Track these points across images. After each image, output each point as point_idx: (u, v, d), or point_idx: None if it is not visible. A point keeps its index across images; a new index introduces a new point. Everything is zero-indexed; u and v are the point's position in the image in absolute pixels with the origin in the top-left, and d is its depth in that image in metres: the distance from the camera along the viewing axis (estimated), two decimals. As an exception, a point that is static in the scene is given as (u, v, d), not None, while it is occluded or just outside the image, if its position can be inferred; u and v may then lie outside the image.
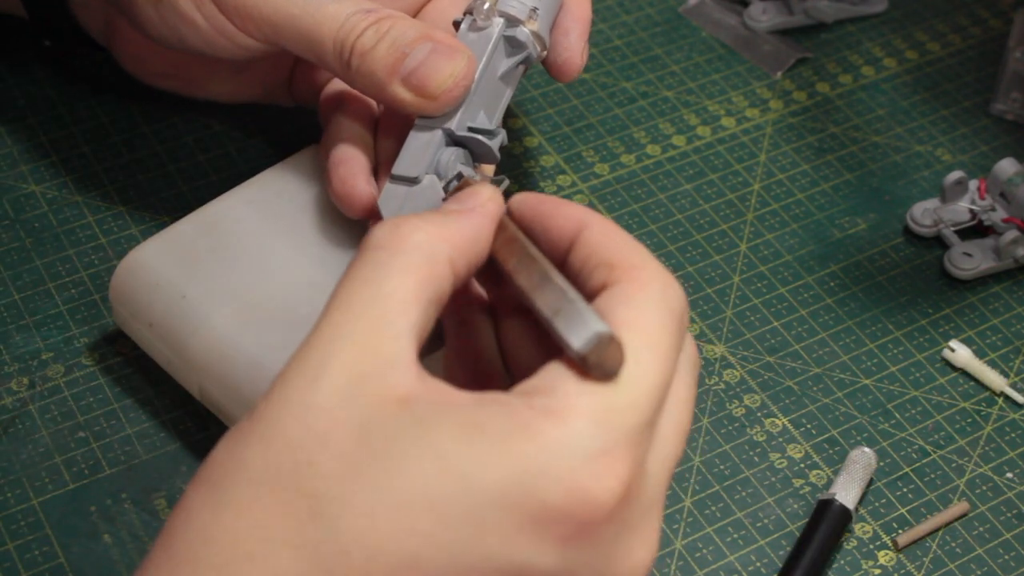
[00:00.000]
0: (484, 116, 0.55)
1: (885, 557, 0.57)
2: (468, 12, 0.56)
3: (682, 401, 0.42)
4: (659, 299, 0.41)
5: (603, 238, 0.42)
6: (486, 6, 0.56)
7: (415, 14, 0.62)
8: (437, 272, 0.40)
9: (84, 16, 0.64)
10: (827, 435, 0.60)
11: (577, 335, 0.39)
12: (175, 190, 0.66)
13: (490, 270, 0.43)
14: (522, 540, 0.37)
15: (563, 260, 0.43)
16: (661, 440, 0.41)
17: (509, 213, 0.44)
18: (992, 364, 0.63)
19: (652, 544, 0.41)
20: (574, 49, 0.58)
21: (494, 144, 0.54)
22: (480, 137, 0.54)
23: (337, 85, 0.61)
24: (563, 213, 0.43)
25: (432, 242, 0.41)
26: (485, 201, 0.43)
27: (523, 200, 0.44)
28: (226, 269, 0.56)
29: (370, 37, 0.55)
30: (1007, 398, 0.62)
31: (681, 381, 0.42)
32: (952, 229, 0.67)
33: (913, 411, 0.61)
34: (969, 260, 0.66)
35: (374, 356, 0.38)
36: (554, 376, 0.39)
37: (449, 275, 0.41)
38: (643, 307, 0.40)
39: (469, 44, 0.55)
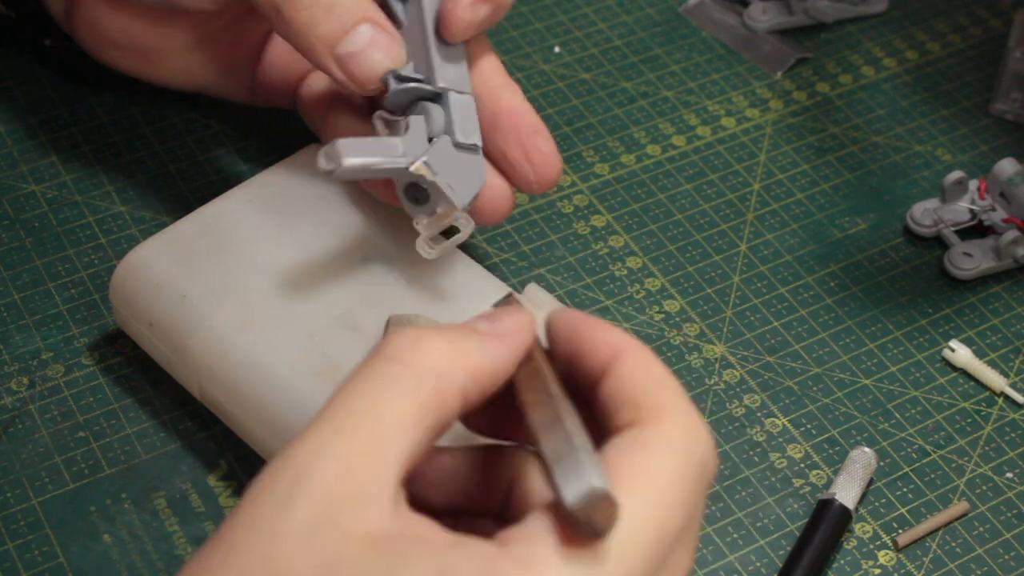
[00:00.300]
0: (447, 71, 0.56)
1: (885, 557, 0.57)
2: None
3: (679, 567, 0.39)
4: (678, 446, 0.38)
5: (634, 371, 0.40)
6: None
7: None
8: (445, 401, 0.38)
9: None
10: (827, 435, 0.60)
11: (571, 488, 0.36)
12: (175, 190, 0.66)
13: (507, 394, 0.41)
14: None
15: (594, 389, 0.41)
16: None
17: (547, 329, 0.42)
18: (992, 364, 0.63)
19: None
20: (459, 1, 0.56)
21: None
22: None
23: (318, 85, 0.61)
24: (600, 338, 0.41)
25: (448, 367, 0.38)
26: (518, 330, 0.41)
27: (561, 319, 0.42)
28: (226, 269, 0.56)
29: None
30: (1007, 398, 0.62)
31: (688, 543, 0.39)
32: (952, 229, 0.67)
33: (913, 411, 0.61)
34: (969, 260, 0.66)
35: (353, 482, 0.36)
36: (539, 528, 0.37)
37: (458, 405, 0.39)
38: (658, 453, 0.38)
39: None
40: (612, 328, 0.41)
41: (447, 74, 0.55)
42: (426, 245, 0.54)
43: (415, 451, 0.37)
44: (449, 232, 0.55)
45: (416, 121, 0.54)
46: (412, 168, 0.52)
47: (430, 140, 0.54)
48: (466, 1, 0.56)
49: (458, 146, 0.54)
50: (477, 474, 0.42)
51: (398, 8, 0.57)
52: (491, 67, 0.59)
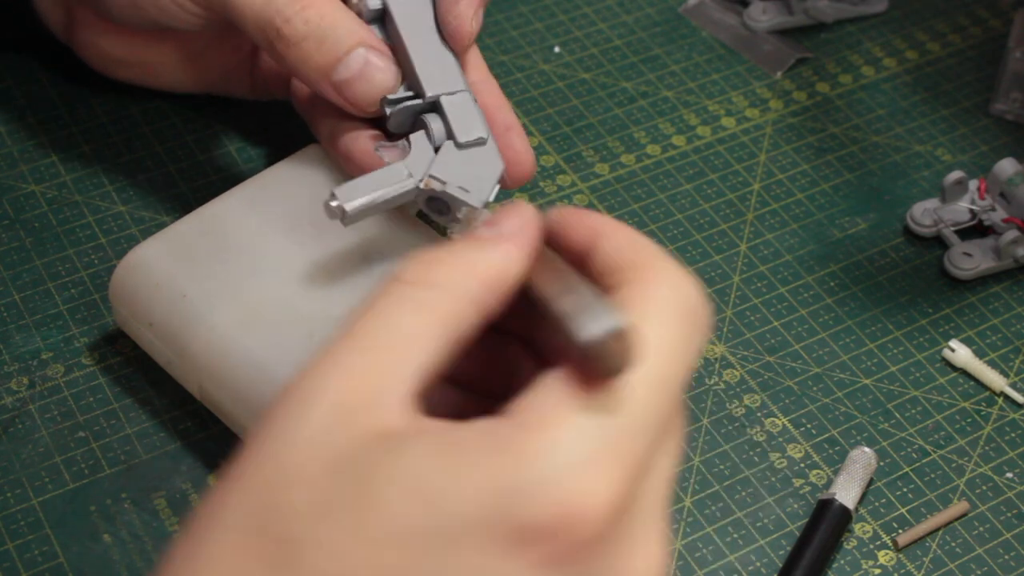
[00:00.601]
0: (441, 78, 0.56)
1: (885, 557, 0.57)
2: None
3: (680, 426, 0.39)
4: (668, 296, 0.39)
5: (614, 242, 0.41)
6: None
7: None
8: (460, 310, 0.38)
9: (45, 9, 0.65)
10: (827, 435, 0.60)
11: (588, 326, 0.35)
12: (175, 190, 0.66)
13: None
14: (502, 564, 0.34)
15: (584, 270, 0.41)
16: (662, 444, 0.38)
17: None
18: (992, 364, 0.63)
19: (654, 557, 0.37)
20: (463, 16, 0.57)
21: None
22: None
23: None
24: (577, 223, 0.41)
25: (460, 280, 0.38)
26: (521, 227, 0.41)
27: (546, 219, 0.42)
28: (226, 269, 0.56)
29: (298, 28, 0.55)
30: (1007, 398, 0.62)
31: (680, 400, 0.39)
32: (952, 229, 0.67)
33: (913, 411, 0.61)
34: (969, 260, 0.66)
35: (366, 390, 0.36)
36: (543, 388, 0.37)
37: (475, 313, 0.39)
38: (650, 306, 0.38)
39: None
40: (589, 213, 0.42)
41: (435, 81, 0.56)
42: None
43: (431, 363, 0.38)
44: None
45: (417, 138, 0.55)
46: (421, 185, 0.53)
47: (436, 150, 0.54)
48: (469, 14, 0.57)
49: (463, 146, 0.55)
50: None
51: (374, 30, 0.57)
52: (471, 64, 0.59)
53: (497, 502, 0.34)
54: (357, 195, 0.52)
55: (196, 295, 0.55)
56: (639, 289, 0.39)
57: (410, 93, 0.56)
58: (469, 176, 0.54)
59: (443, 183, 0.53)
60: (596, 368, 0.36)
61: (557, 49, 0.75)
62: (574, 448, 0.35)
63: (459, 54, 0.58)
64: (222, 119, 0.69)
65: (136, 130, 0.68)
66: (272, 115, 0.68)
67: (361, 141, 0.57)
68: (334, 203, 0.52)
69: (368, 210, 0.52)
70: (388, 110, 0.56)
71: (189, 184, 0.67)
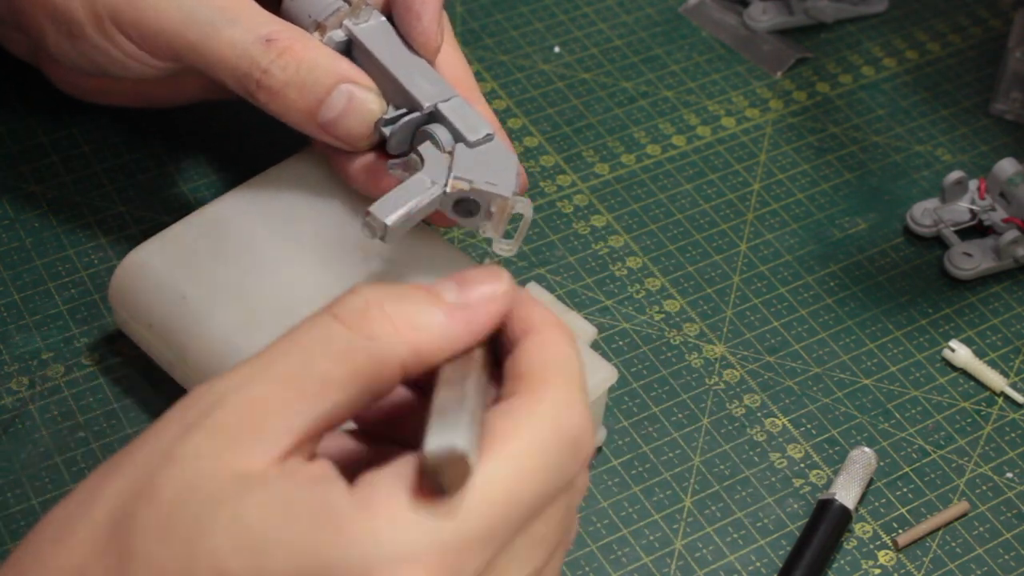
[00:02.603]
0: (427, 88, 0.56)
1: (885, 557, 0.57)
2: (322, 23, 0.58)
3: (538, 538, 0.39)
4: (545, 417, 0.38)
5: (534, 348, 0.40)
6: None
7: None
8: (381, 373, 0.38)
9: (7, 41, 0.64)
10: (827, 435, 0.60)
11: (435, 440, 0.36)
12: (175, 190, 0.66)
13: None
14: None
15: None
16: (507, 562, 0.38)
17: None
18: (992, 364, 0.63)
19: None
20: (428, 32, 0.57)
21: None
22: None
23: None
24: (519, 315, 0.40)
25: (393, 342, 0.38)
26: (488, 301, 0.40)
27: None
28: (226, 269, 0.56)
29: (277, 77, 0.55)
30: (1007, 398, 0.62)
31: (556, 516, 0.39)
32: (952, 229, 0.67)
33: (913, 411, 0.61)
34: (969, 260, 0.66)
35: (251, 422, 0.37)
36: (393, 474, 0.36)
37: (396, 376, 0.38)
38: (522, 422, 0.38)
39: (361, 35, 0.57)
40: (538, 307, 0.41)
41: (425, 91, 0.56)
42: (503, 244, 0.55)
43: (333, 412, 0.38)
44: (513, 221, 0.56)
45: (426, 148, 0.55)
46: (448, 189, 0.53)
47: (449, 155, 0.55)
48: (433, 28, 0.57)
49: (474, 144, 0.55)
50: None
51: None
52: (449, 67, 0.60)
53: (312, 571, 0.35)
54: (393, 209, 0.52)
55: (196, 296, 0.55)
56: (526, 403, 0.38)
57: (403, 111, 0.56)
58: (489, 171, 0.54)
59: (469, 181, 0.53)
60: (430, 480, 0.36)
61: (557, 49, 0.75)
62: (397, 542, 0.35)
63: (431, 63, 0.58)
64: (222, 119, 0.69)
65: (136, 130, 0.68)
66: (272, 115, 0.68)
67: (368, 160, 0.57)
68: (374, 221, 0.52)
69: (406, 222, 0.53)
70: (387, 131, 0.56)
71: (189, 184, 0.67)
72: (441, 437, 0.36)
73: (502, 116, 0.71)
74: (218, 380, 0.38)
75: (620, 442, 0.59)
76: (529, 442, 0.38)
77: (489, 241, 0.57)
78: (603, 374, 0.55)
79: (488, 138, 0.55)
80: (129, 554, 0.36)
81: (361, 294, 0.39)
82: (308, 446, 0.38)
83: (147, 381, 0.59)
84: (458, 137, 0.55)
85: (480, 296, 0.40)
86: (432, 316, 0.39)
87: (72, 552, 0.37)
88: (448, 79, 0.58)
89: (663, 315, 0.64)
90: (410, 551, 0.35)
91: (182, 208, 0.65)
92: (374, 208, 0.52)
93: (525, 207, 0.55)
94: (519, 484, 0.37)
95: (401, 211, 0.53)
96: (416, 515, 0.36)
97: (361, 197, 0.59)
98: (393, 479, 0.36)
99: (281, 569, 0.35)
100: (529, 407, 0.38)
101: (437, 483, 0.36)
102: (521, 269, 0.65)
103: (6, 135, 0.68)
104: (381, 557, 0.35)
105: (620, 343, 0.63)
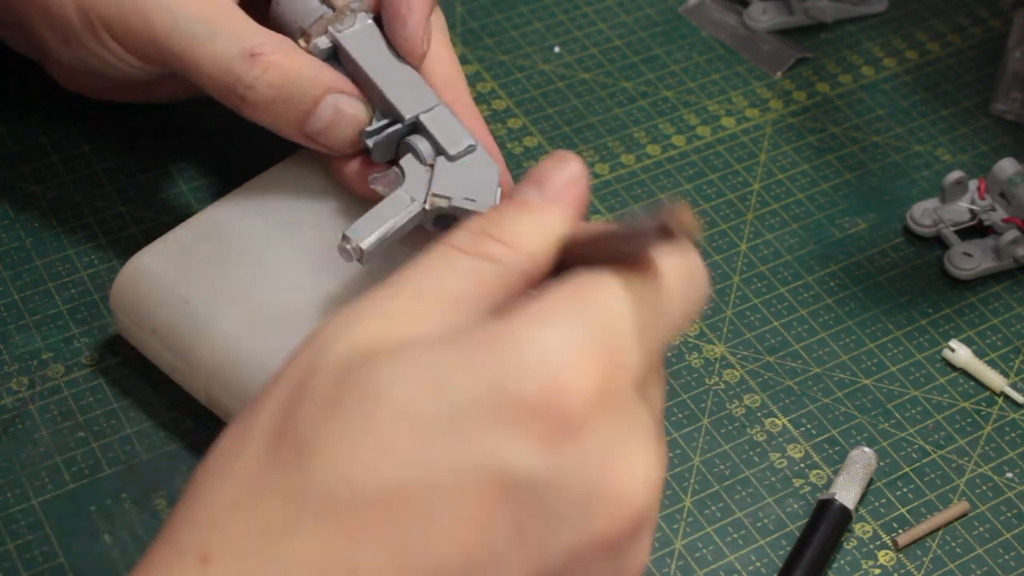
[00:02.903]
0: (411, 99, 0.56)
1: (885, 557, 0.57)
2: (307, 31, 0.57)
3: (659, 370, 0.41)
4: (680, 261, 0.41)
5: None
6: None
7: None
8: (510, 285, 0.40)
9: (11, 41, 0.64)
10: (827, 435, 0.60)
11: (651, 213, 0.37)
12: (175, 190, 0.66)
13: None
14: (502, 442, 0.36)
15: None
16: (652, 380, 0.40)
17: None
18: (992, 364, 0.63)
19: (650, 458, 0.38)
20: (414, 38, 0.57)
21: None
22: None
23: None
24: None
25: (510, 255, 0.40)
26: (568, 185, 0.42)
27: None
28: (228, 272, 0.56)
29: (263, 92, 0.55)
30: (1007, 398, 0.62)
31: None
32: (952, 229, 0.67)
33: (913, 411, 0.61)
34: (969, 260, 0.66)
35: (393, 333, 0.38)
36: (541, 293, 0.39)
37: (522, 286, 0.41)
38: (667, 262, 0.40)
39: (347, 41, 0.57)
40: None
41: (408, 103, 0.56)
42: None
43: (473, 312, 0.39)
44: None
45: (407, 162, 0.55)
46: (427, 206, 0.53)
47: (431, 168, 0.54)
48: (419, 34, 0.57)
49: (455, 157, 0.54)
50: None
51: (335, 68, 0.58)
52: (438, 74, 0.60)
53: (495, 385, 0.36)
54: (369, 231, 0.52)
55: (199, 301, 0.55)
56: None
57: (386, 121, 0.56)
58: (470, 185, 0.54)
59: (448, 198, 0.53)
60: (669, 234, 0.37)
61: (557, 49, 0.75)
62: (563, 335, 0.37)
63: (417, 68, 0.57)
64: (222, 119, 0.69)
65: (137, 130, 0.68)
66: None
67: (353, 166, 0.58)
68: (349, 245, 0.52)
69: (382, 243, 0.53)
70: (370, 142, 0.56)
71: (189, 184, 0.67)
72: (651, 213, 0.37)
73: (502, 116, 0.71)
74: (344, 311, 0.39)
75: (620, 442, 0.59)
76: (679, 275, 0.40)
77: None
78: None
79: (470, 149, 0.55)
80: (303, 443, 0.36)
81: (466, 226, 0.41)
82: None
83: (147, 381, 0.59)
84: (439, 150, 0.55)
85: (558, 187, 0.42)
86: (532, 224, 0.41)
87: (240, 475, 0.37)
88: (437, 80, 0.58)
89: (663, 315, 0.64)
90: (577, 341, 0.37)
91: (182, 208, 0.65)
92: (350, 231, 0.52)
93: None
94: (655, 304, 0.39)
95: (377, 234, 0.52)
96: (573, 310, 0.38)
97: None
98: (545, 293, 0.38)
99: (470, 392, 0.36)
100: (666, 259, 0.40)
101: (676, 231, 0.37)
102: (521, 269, 0.65)
103: (6, 135, 0.68)
104: (552, 351, 0.37)
105: (620, 343, 0.62)
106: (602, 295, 0.38)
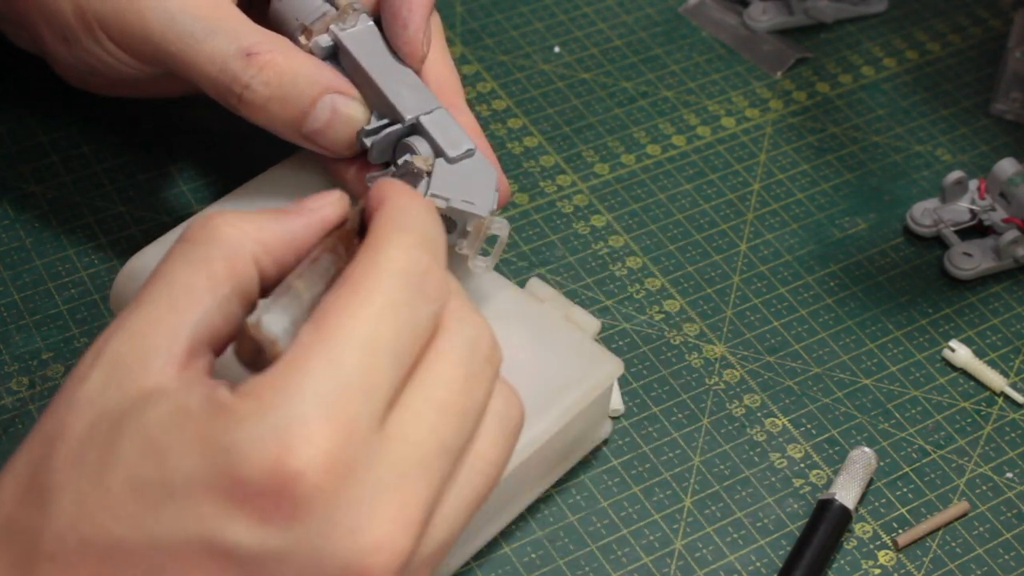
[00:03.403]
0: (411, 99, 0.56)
1: (885, 557, 0.57)
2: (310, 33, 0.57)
3: (432, 394, 0.41)
4: (380, 263, 0.41)
5: (379, 214, 0.43)
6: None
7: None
8: (238, 268, 0.41)
9: (14, 38, 0.64)
10: (827, 435, 0.60)
11: (259, 311, 0.40)
12: (175, 190, 0.66)
13: None
14: (222, 520, 0.37)
15: None
16: (412, 400, 0.40)
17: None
18: (992, 364, 0.63)
19: (393, 519, 0.38)
20: (414, 41, 0.57)
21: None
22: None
23: None
24: (373, 194, 0.44)
25: (238, 238, 0.41)
26: (322, 206, 0.44)
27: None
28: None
29: (259, 92, 0.55)
30: (1007, 398, 0.62)
31: (438, 374, 0.41)
32: (952, 229, 0.67)
33: (913, 411, 0.61)
34: (969, 260, 0.66)
35: (139, 349, 0.39)
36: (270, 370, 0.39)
37: (254, 272, 0.42)
38: (360, 271, 0.40)
39: (347, 40, 0.57)
40: (393, 183, 0.44)
41: (408, 102, 0.55)
42: (478, 263, 0.55)
43: (210, 318, 0.41)
44: (490, 242, 0.56)
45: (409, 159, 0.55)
46: None
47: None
48: (419, 37, 0.57)
49: (454, 160, 0.54)
50: None
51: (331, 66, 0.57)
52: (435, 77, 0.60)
53: (215, 464, 0.37)
54: None
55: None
56: (360, 256, 0.41)
57: (384, 121, 0.56)
58: (468, 188, 0.54)
59: (446, 199, 0.53)
60: (242, 339, 0.40)
61: (557, 49, 0.75)
62: (281, 409, 0.37)
63: (417, 71, 0.57)
64: (222, 119, 0.69)
65: (136, 130, 0.68)
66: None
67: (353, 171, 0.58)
68: None
69: None
70: (368, 142, 0.56)
71: (189, 184, 0.67)
72: (263, 312, 0.40)
73: (502, 116, 0.71)
74: (102, 334, 0.41)
75: (620, 442, 0.59)
76: (368, 286, 0.40)
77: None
78: (609, 367, 0.55)
79: (469, 153, 0.55)
80: (47, 487, 0.38)
81: (203, 213, 0.43)
82: (202, 355, 0.41)
83: (147, 381, 0.59)
84: (438, 152, 0.55)
85: (312, 203, 0.44)
86: (270, 217, 0.43)
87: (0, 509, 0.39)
88: (432, 84, 0.58)
89: (663, 315, 0.64)
90: (296, 414, 0.37)
91: (182, 208, 0.65)
92: None
93: (501, 228, 0.54)
94: (380, 326, 0.39)
95: None
96: (290, 383, 0.38)
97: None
98: (271, 370, 0.39)
99: (191, 465, 0.37)
100: (363, 256, 0.41)
101: (245, 342, 0.40)
102: (521, 269, 0.65)
103: (6, 135, 0.68)
104: (270, 428, 0.37)
105: (620, 343, 0.63)
106: (341, 334, 0.39)
